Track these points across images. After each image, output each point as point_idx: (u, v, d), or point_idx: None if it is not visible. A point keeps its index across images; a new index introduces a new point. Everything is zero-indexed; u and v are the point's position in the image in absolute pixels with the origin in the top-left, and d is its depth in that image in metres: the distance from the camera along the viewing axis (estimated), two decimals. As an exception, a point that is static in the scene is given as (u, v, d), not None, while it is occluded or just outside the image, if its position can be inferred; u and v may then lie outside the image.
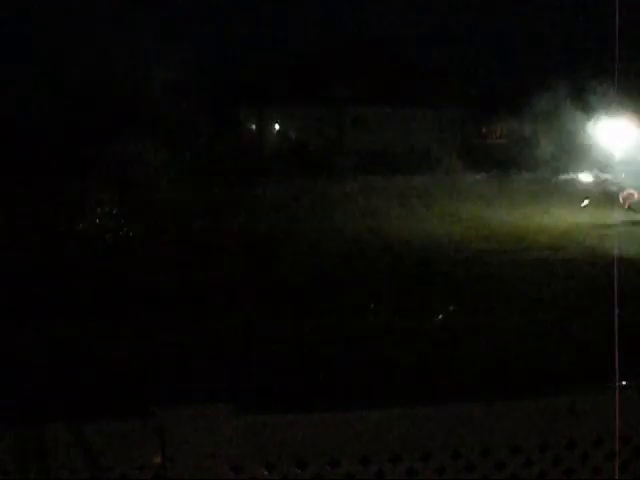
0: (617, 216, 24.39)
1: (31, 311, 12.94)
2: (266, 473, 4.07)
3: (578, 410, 4.27)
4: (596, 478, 4.33)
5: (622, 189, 27.61)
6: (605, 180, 32.00)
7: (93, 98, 37.55)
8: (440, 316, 13.02)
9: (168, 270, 16.58)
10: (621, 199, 27.11)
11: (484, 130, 50.07)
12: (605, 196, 28.72)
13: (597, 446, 4.32)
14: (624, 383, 4.37)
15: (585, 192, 29.73)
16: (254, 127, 49.95)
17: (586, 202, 27.97)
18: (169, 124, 36.68)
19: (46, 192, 25.86)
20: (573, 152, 35.95)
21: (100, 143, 33.05)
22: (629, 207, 26.62)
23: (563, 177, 35.98)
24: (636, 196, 26.84)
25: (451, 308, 13.43)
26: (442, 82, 48.93)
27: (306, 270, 17.16)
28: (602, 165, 33.66)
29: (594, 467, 4.34)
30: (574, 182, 34.00)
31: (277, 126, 49.99)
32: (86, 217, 24.13)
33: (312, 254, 19.23)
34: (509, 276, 16.68)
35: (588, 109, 36.55)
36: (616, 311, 5.06)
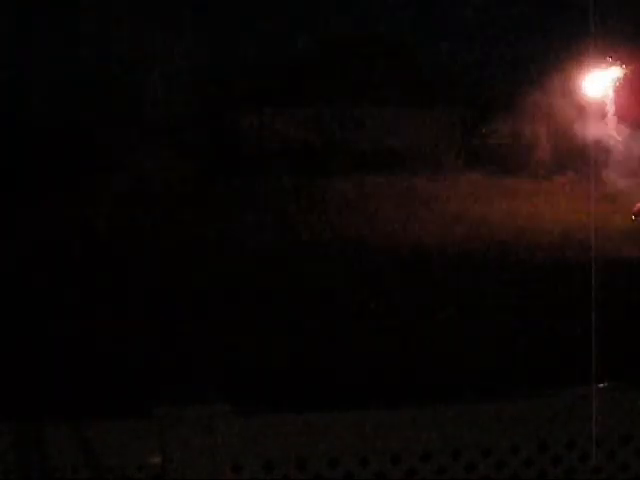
0: None
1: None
2: (266, 473, 4.07)
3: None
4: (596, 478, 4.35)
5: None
6: None
7: (91, 97, 37.60)
8: None
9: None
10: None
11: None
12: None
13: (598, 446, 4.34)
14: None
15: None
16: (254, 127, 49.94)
17: None
18: (168, 123, 36.72)
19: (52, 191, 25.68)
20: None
21: (100, 144, 33.07)
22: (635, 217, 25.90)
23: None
24: None
25: None
26: (442, 82, 48.92)
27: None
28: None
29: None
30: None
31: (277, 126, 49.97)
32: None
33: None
34: None
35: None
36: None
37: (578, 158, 31.12)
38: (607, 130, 33.71)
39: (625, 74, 33.98)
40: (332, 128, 44.97)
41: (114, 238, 19.92)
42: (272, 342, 11.67)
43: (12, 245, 18.72)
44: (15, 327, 11.85)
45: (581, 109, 34.84)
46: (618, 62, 33.64)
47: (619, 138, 33.21)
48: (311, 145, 42.35)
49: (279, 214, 24.74)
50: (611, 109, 34.51)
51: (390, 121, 45.24)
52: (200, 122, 40.03)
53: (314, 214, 25.33)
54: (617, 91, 34.35)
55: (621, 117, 34.19)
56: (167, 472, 3.96)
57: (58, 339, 11.45)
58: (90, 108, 35.09)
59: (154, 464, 3.98)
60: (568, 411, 4.27)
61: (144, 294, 14.39)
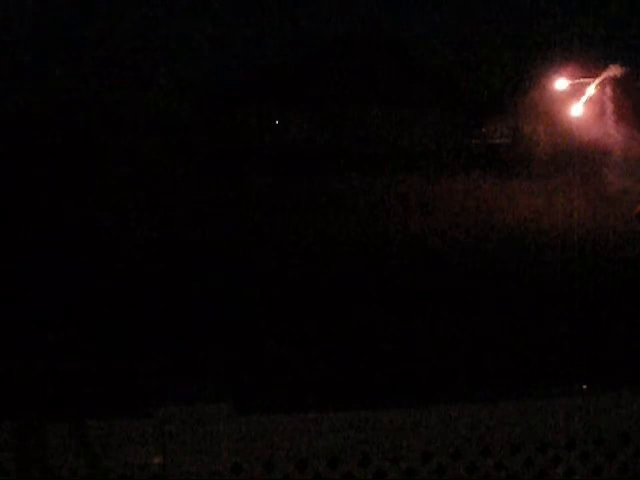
0: None
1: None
2: (266, 473, 4.07)
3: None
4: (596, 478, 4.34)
5: None
6: None
7: (95, 98, 37.64)
8: None
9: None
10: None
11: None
12: None
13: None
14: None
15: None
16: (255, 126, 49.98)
17: None
18: (170, 123, 36.74)
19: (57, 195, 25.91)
20: None
21: (101, 142, 33.13)
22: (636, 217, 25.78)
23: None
24: None
25: None
26: (442, 82, 48.96)
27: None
28: None
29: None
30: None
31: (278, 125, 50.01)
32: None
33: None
34: None
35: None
36: None
37: (575, 158, 31.20)
38: (604, 131, 33.70)
39: (621, 75, 34.02)
40: (332, 128, 44.94)
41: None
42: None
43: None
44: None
45: (576, 111, 34.91)
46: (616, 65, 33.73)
47: (619, 138, 33.20)
48: (311, 145, 42.32)
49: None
50: (609, 110, 34.51)
51: (390, 121, 45.20)
52: (201, 122, 39.98)
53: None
54: (614, 92, 34.37)
55: (618, 118, 34.20)
56: (167, 472, 3.96)
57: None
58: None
59: (154, 464, 3.97)
60: (568, 411, 4.27)
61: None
